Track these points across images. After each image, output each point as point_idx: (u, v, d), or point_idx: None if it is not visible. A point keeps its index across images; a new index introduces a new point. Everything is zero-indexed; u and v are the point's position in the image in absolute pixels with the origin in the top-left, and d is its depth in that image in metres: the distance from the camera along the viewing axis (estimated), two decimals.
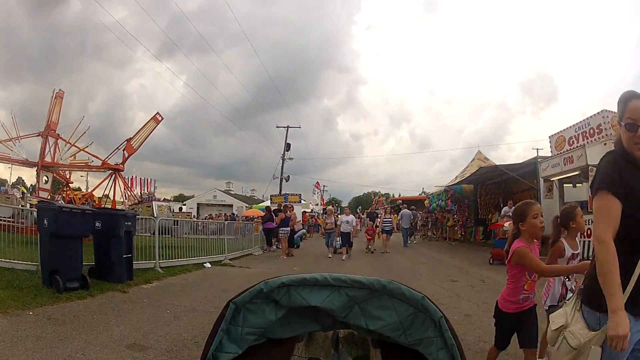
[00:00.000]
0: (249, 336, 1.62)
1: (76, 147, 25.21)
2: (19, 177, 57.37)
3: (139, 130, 24.61)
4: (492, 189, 23.56)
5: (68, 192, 26.83)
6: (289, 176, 39.32)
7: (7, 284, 7.21)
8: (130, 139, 24.19)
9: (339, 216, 19.09)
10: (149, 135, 24.70)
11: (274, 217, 18.20)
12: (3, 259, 8.43)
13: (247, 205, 54.65)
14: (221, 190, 68.18)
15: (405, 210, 22.45)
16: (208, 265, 12.52)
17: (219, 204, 61.80)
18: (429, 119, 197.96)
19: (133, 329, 5.70)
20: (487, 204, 24.03)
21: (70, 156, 25.50)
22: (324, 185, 58.30)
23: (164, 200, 39.27)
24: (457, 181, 24.29)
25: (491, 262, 12.96)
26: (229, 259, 13.99)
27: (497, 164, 20.32)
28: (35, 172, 25.12)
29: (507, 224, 13.06)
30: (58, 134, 25.03)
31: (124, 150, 24.21)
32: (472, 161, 24.88)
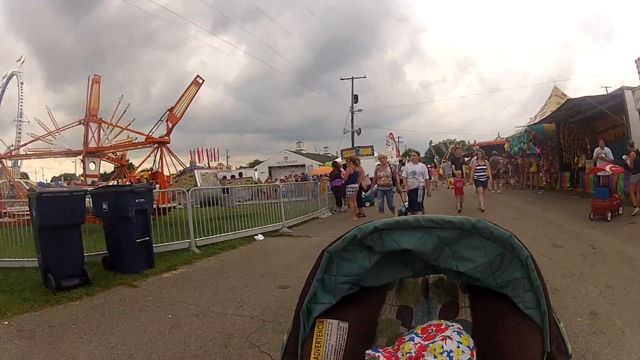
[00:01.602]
0: (343, 285, 1.54)
1: (119, 127, 24.06)
2: None
3: (181, 98, 22.91)
4: (575, 128, 20.65)
5: (134, 174, 26.01)
6: (360, 129, 37.84)
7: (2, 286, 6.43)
8: (172, 107, 22.53)
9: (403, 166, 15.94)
10: (191, 101, 22.97)
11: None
12: (9, 259, 7.80)
13: (321, 163, 52.08)
14: (292, 151, 65.94)
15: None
16: (260, 237, 10.98)
17: (291, 165, 59.23)
18: (494, 62, 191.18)
19: (106, 347, 4.40)
20: (571, 145, 21.18)
21: (115, 136, 24.54)
22: (398, 137, 55.27)
23: (221, 167, 38.26)
24: (537, 120, 21.38)
25: (592, 217, 10.64)
26: (287, 227, 12.31)
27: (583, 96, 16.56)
28: (80, 160, 24.48)
29: (608, 168, 10.88)
30: (100, 118, 23.99)
31: (167, 121, 22.76)
32: (549, 98, 21.72)
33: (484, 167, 14.85)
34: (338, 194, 16.87)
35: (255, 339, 4.39)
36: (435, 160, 41.05)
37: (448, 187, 26.77)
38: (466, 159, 17.58)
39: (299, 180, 26.89)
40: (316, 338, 1.51)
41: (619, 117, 14.94)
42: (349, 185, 14.95)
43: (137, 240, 7.52)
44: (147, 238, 7.83)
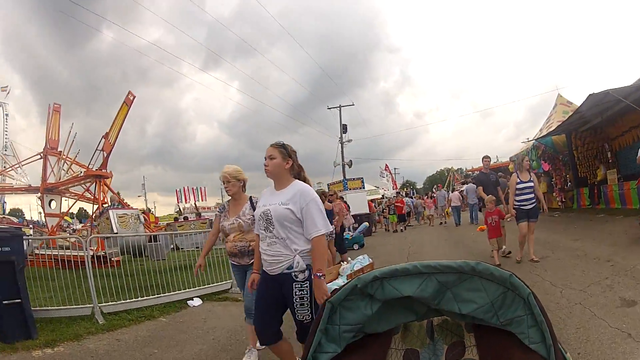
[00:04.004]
0: (347, 334, 1.62)
1: (68, 159, 21.46)
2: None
3: (114, 121, 20.10)
4: (589, 136, 18.01)
5: (120, 201, 22.93)
6: (351, 161, 35.70)
7: None
8: (107, 134, 19.81)
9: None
10: (123, 122, 20.05)
11: None
12: None
13: None
14: None
15: (471, 185, 16.26)
16: (195, 302, 7.86)
17: None
18: (487, 85, 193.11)
19: None
20: (585, 157, 18.46)
21: (67, 170, 22.03)
22: (394, 168, 52.99)
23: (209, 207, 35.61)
24: (544, 133, 18.34)
25: None
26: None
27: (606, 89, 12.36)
28: (36, 197, 22.11)
29: None
30: (60, 151, 21.43)
31: (102, 151, 19.91)
32: (554, 108, 19.20)
33: (531, 184, 8.43)
34: None
35: None
36: (435, 189, 38.30)
37: (441, 222, 23.51)
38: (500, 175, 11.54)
39: None
40: None
41: None
42: None
43: (4, 302, 5.62)
44: (19, 300, 5.75)
